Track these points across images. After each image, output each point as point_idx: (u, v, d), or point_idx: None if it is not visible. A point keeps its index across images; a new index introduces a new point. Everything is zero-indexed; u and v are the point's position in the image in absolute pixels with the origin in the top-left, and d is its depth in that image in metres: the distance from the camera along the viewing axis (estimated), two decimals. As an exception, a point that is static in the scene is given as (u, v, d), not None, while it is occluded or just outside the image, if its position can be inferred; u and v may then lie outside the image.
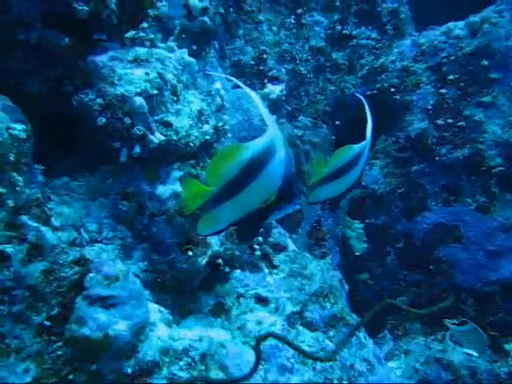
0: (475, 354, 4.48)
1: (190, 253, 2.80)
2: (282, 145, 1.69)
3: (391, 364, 4.32)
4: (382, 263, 5.44)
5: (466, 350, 4.47)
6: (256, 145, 1.67)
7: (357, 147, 2.49)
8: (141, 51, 2.75)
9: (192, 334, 2.65)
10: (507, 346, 4.47)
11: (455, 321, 4.68)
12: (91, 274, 2.32)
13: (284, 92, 4.73)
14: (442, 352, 4.37)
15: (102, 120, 2.54)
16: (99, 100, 2.54)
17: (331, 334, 3.39)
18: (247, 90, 1.78)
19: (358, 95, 2.84)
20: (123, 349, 2.27)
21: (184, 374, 2.42)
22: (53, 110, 2.64)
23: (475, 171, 5.12)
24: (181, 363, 2.48)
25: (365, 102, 2.67)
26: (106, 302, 2.28)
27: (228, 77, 2.39)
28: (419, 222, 5.29)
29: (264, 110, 1.70)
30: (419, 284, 5.36)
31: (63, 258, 2.28)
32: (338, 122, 5.45)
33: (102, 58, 2.63)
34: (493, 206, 5.12)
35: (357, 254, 5.40)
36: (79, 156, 2.86)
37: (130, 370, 2.26)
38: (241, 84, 1.83)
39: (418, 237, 5.31)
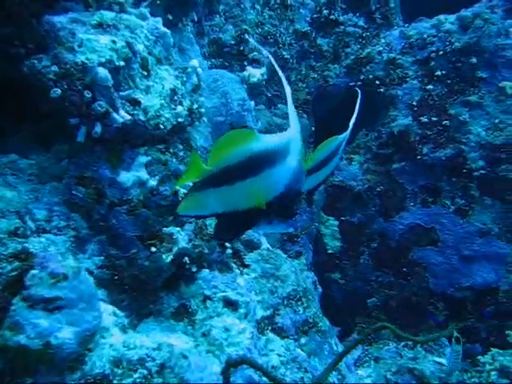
0: (445, 363, 4.34)
1: (154, 249, 2.48)
2: (297, 153, 1.51)
3: (361, 372, 4.11)
4: (355, 263, 5.23)
5: (436, 359, 4.31)
6: (270, 140, 1.48)
7: (340, 138, 2.34)
8: (107, 15, 2.37)
9: (150, 340, 2.34)
10: (481, 359, 4.32)
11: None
12: (34, 271, 1.98)
13: (265, 76, 4.42)
14: (413, 360, 4.19)
15: (57, 91, 2.17)
16: (54, 68, 2.17)
17: (303, 341, 3.14)
18: (283, 79, 1.56)
19: (355, 89, 2.58)
20: (67, 360, 1.95)
21: (138, 389, 2.11)
22: (0, 76, 2.25)
23: (456, 173, 4.94)
24: (135, 376, 2.17)
25: (359, 92, 2.48)
26: (49, 305, 1.95)
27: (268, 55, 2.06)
28: (396, 222, 5.09)
29: (292, 109, 1.53)
30: (391, 286, 5.19)
31: (0, 250, 1.93)
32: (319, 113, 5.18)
33: (60, 19, 2.25)
34: (471, 210, 4.97)
35: (330, 252, 5.17)
36: (31, 131, 2.48)
37: (73, 386, 1.94)
38: (277, 68, 1.59)
39: (393, 237, 5.12)
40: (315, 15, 5.19)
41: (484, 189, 4.93)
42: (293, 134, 1.52)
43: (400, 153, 5.06)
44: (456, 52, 4.95)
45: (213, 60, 4.28)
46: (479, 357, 4.43)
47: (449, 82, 4.98)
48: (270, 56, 1.76)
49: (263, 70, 4.39)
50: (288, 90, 1.55)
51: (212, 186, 1.48)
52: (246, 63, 4.48)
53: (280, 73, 1.58)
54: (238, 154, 1.45)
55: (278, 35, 4.86)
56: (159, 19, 2.65)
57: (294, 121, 1.53)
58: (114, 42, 2.30)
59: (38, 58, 2.19)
